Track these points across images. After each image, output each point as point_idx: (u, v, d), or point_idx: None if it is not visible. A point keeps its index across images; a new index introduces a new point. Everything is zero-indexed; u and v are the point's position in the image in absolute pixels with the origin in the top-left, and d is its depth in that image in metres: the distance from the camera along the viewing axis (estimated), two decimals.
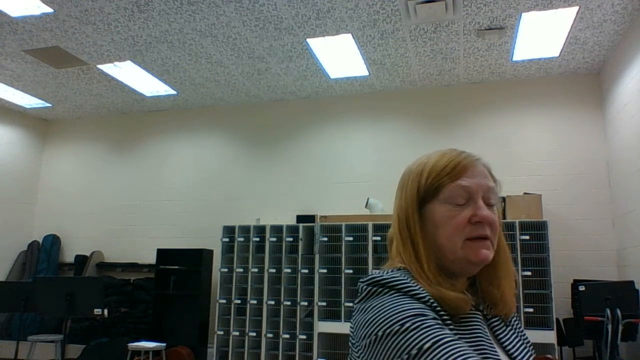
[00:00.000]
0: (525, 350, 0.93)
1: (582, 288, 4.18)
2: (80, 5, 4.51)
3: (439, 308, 0.81)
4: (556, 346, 4.76)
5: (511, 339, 0.93)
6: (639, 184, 4.67)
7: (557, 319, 4.96)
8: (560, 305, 5.16)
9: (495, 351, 0.84)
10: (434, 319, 0.76)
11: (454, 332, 0.80)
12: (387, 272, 0.86)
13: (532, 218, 5.09)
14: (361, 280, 0.87)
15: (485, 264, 0.88)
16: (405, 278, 0.84)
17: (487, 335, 0.86)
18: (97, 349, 6.09)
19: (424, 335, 0.72)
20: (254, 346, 5.65)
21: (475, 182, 0.89)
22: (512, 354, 0.90)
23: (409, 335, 0.73)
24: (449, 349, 0.70)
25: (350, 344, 0.88)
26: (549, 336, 4.73)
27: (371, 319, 0.78)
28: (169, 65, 5.77)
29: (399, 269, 0.88)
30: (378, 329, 0.76)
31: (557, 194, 5.63)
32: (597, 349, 4.61)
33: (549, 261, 4.89)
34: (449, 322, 0.81)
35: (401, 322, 0.75)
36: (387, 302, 0.79)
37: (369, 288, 0.84)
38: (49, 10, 4.58)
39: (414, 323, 0.74)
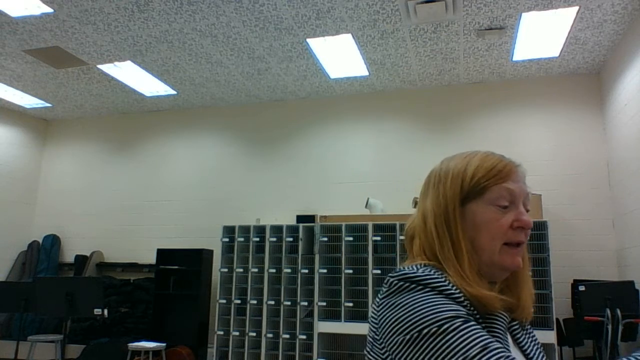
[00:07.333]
0: (540, 353, 0.94)
1: (582, 288, 4.18)
2: (80, 5, 4.51)
3: (472, 307, 0.80)
4: (556, 346, 4.75)
5: (528, 343, 0.93)
6: (639, 184, 4.67)
7: (557, 319, 4.96)
8: (560, 305, 5.16)
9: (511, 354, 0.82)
10: (471, 320, 0.75)
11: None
12: (420, 269, 0.82)
13: (532, 218, 5.07)
14: (391, 274, 0.83)
15: (515, 270, 0.91)
16: (439, 276, 0.81)
17: (506, 337, 0.86)
18: (97, 349, 6.08)
19: (467, 341, 0.71)
20: (254, 346, 5.65)
21: (519, 187, 0.93)
22: (531, 357, 0.90)
23: (450, 340, 0.71)
24: (496, 357, 0.70)
25: (370, 339, 0.84)
26: (549, 336, 4.73)
27: (404, 316, 0.75)
28: (169, 65, 5.77)
29: (425, 266, 0.85)
30: (413, 327, 0.74)
31: (557, 194, 5.63)
32: (597, 349, 4.61)
33: (549, 261, 4.89)
34: (480, 321, 0.81)
35: (438, 323, 0.73)
36: (421, 300, 0.76)
37: (401, 283, 0.80)
38: (49, 10, 4.58)
39: (452, 325, 0.73)
